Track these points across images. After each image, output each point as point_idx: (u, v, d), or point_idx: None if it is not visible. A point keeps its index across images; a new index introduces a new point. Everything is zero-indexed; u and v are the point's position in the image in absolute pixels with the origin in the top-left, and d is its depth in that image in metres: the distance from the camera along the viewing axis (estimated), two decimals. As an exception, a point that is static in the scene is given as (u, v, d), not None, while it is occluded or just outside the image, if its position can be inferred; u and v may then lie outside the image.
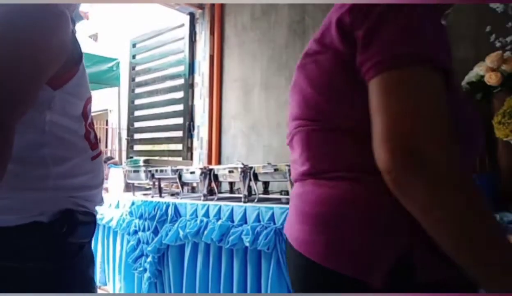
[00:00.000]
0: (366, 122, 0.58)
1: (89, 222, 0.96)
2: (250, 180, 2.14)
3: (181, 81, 3.64)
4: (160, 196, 2.67)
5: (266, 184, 2.40)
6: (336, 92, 0.64)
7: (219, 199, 2.32)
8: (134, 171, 2.87)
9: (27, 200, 0.84)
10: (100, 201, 1.03)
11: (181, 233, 2.24)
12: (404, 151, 0.52)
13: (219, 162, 3.29)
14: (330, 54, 0.64)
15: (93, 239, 1.03)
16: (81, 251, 0.94)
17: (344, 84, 0.62)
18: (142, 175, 2.78)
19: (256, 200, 2.13)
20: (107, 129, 9.90)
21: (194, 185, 3.03)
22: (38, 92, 0.81)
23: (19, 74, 0.76)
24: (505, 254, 0.52)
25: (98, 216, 2.92)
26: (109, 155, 8.37)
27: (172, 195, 2.76)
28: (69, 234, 0.88)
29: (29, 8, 0.80)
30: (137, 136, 4.14)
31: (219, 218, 2.13)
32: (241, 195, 2.18)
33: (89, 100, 0.99)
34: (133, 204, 2.67)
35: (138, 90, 4.09)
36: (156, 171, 2.67)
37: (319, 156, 0.68)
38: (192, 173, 2.46)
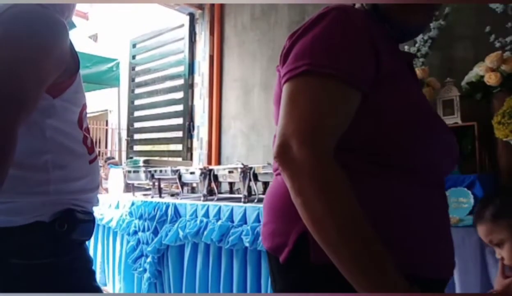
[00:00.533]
0: None
1: (89, 221, 1.00)
2: (250, 180, 2.14)
3: (181, 81, 3.64)
4: (160, 196, 2.67)
5: (266, 184, 2.40)
6: (278, 104, 0.72)
7: (219, 199, 2.32)
8: (134, 171, 2.87)
9: (31, 203, 0.89)
10: (97, 202, 1.07)
11: (181, 233, 2.24)
12: (279, 147, 0.61)
13: (219, 162, 3.29)
14: (278, 72, 0.75)
15: (91, 239, 1.06)
16: (81, 247, 0.99)
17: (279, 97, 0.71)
18: (142, 175, 2.78)
19: (256, 200, 2.13)
20: (107, 129, 9.90)
21: (194, 185, 3.03)
22: (39, 99, 0.84)
23: (22, 81, 0.79)
24: (352, 252, 0.56)
25: (98, 216, 2.94)
26: (109, 155, 8.37)
27: (172, 195, 2.76)
28: (70, 231, 0.93)
29: (31, 16, 0.84)
30: (137, 136, 4.14)
31: (219, 218, 2.13)
32: (241, 195, 2.18)
33: (84, 106, 1.03)
34: (133, 204, 2.67)
35: (138, 90, 4.09)
36: (156, 171, 2.67)
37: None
38: (192, 173, 2.46)
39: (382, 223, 0.62)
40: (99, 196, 1.10)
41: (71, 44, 0.94)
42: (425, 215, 0.69)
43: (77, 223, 0.94)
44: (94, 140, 1.10)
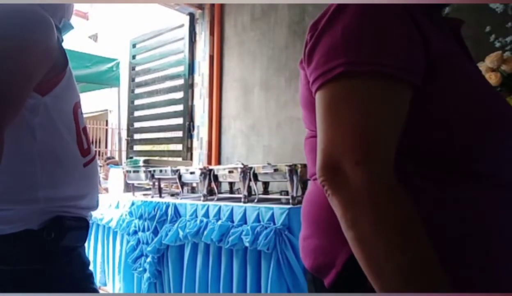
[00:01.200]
0: None
1: (80, 228, 0.97)
2: (250, 180, 2.14)
3: (181, 81, 3.64)
4: (160, 196, 2.67)
5: (266, 184, 2.40)
6: (309, 104, 0.64)
7: (219, 199, 2.32)
8: (134, 171, 2.87)
9: (20, 211, 0.87)
10: (95, 206, 1.04)
11: (181, 233, 2.24)
12: (326, 168, 0.52)
13: (219, 162, 3.29)
14: (303, 70, 0.65)
15: (88, 241, 1.04)
16: (73, 252, 0.96)
17: (311, 98, 0.61)
18: (142, 175, 2.78)
19: (256, 200, 2.13)
20: (107, 129, 9.89)
21: (194, 185, 3.03)
22: (26, 98, 0.82)
23: (6, 79, 0.76)
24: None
25: (98, 216, 2.94)
26: (109, 155, 8.37)
27: (172, 195, 2.76)
28: (59, 239, 0.90)
29: (11, 15, 0.81)
30: (137, 136, 4.14)
31: (219, 218, 2.13)
32: (241, 195, 2.18)
33: (77, 104, 0.99)
34: (133, 204, 2.67)
35: (138, 90, 4.09)
36: (156, 171, 2.67)
37: (311, 160, 0.69)
38: (192, 173, 2.46)
39: (464, 248, 0.51)
40: (99, 196, 1.08)
41: (58, 40, 0.92)
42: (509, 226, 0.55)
43: (66, 231, 0.91)
44: (94, 140, 1.07)
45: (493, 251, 0.53)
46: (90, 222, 1.05)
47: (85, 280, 0.99)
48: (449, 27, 0.66)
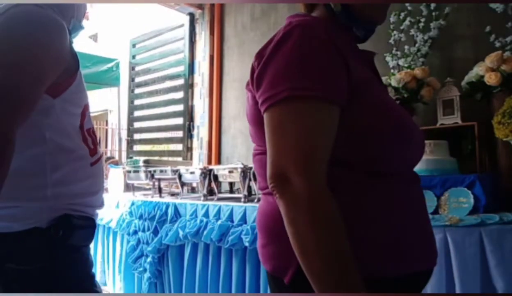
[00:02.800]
0: None
1: (87, 226, 0.98)
2: (250, 180, 2.14)
3: (181, 81, 3.65)
4: (160, 196, 2.67)
5: (266, 184, 2.39)
6: (257, 122, 0.74)
7: (219, 199, 2.32)
8: (134, 171, 2.87)
9: (29, 209, 0.88)
10: (101, 205, 1.05)
11: (181, 233, 2.24)
12: (275, 177, 0.62)
13: (219, 162, 3.29)
14: (250, 92, 0.76)
15: (92, 241, 1.05)
16: (79, 252, 0.97)
17: (260, 117, 0.71)
18: (142, 175, 2.78)
19: (256, 200, 2.13)
20: (107, 129, 9.89)
21: (194, 185, 3.03)
22: (39, 100, 0.83)
23: (19, 81, 0.78)
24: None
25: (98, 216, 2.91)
26: (109, 155, 8.37)
27: (172, 195, 2.76)
28: (66, 238, 0.91)
29: (28, 17, 0.83)
30: (137, 136, 4.14)
31: (218, 218, 2.13)
32: (241, 195, 2.18)
33: (86, 107, 1.01)
34: (133, 204, 2.67)
35: (138, 90, 4.09)
36: (156, 171, 2.67)
37: (261, 176, 0.79)
38: (192, 173, 2.46)
39: (370, 224, 0.67)
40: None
41: (70, 43, 0.94)
42: (411, 212, 0.72)
43: (74, 229, 0.92)
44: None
45: (397, 227, 0.69)
46: (97, 221, 1.06)
47: (88, 280, 0.99)
48: (365, 58, 0.81)
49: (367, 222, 0.67)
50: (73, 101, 0.95)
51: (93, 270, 1.03)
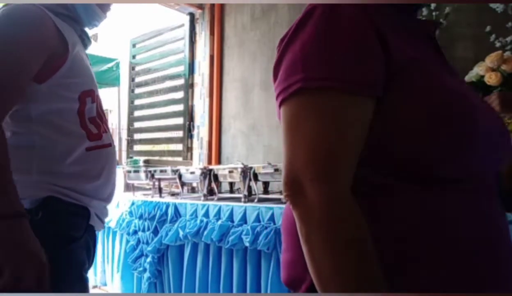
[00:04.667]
0: None
1: (76, 214, 0.93)
2: (250, 180, 2.13)
3: (181, 81, 3.64)
4: (160, 196, 2.67)
5: (266, 184, 2.39)
6: None
7: (219, 199, 2.32)
8: (134, 171, 2.86)
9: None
10: (101, 197, 0.99)
11: (181, 233, 2.24)
12: (289, 183, 0.53)
13: (219, 162, 3.29)
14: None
15: (83, 236, 0.97)
16: (71, 244, 0.91)
17: None
18: (142, 175, 2.78)
19: (256, 200, 2.13)
20: (107, 129, 9.87)
21: (194, 185, 3.03)
22: (25, 88, 0.86)
23: (4, 73, 0.81)
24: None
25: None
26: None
27: (172, 195, 2.76)
28: (48, 222, 0.85)
29: (7, 11, 0.86)
30: (137, 136, 4.14)
31: (219, 218, 2.13)
32: (241, 195, 2.18)
33: (86, 93, 0.99)
34: (133, 204, 2.67)
35: (138, 90, 4.09)
36: (156, 171, 2.67)
37: None
38: (192, 173, 2.46)
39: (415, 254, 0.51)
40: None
41: (57, 28, 0.93)
42: (474, 233, 0.54)
43: (58, 213, 0.87)
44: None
45: (448, 257, 0.52)
46: (105, 219, 1.02)
47: (74, 283, 0.92)
48: (422, 31, 0.65)
49: (402, 251, 0.51)
50: (65, 86, 0.94)
51: (86, 275, 0.97)
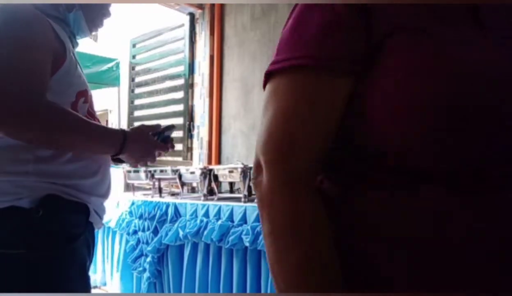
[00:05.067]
0: None
1: (76, 211, 0.93)
2: (250, 179, 2.14)
3: (181, 81, 3.65)
4: (160, 196, 2.67)
5: (266, 184, 2.40)
6: None
7: (219, 199, 2.32)
8: (134, 171, 2.86)
9: (7, 183, 0.84)
10: (99, 193, 1.00)
11: (181, 233, 2.24)
12: (253, 164, 0.52)
13: (219, 162, 3.29)
14: None
15: (84, 232, 0.97)
16: (73, 242, 0.91)
17: None
18: (142, 175, 2.78)
19: (256, 200, 2.13)
20: (107, 129, 9.86)
21: (194, 185, 3.03)
22: (49, 71, 0.90)
23: (31, 58, 0.86)
24: None
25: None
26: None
27: (172, 195, 2.76)
28: (48, 220, 0.85)
29: (9, 13, 0.88)
30: (137, 136, 4.13)
31: (219, 218, 2.13)
32: (241, 195, 2.18)
33: (80, 93, 1.00)
34: (133, 204, 2.67)
35: (138, 90, 4.09)
36: (156, 171, 2.67)
37: None
38: (192, 173, 2.46)
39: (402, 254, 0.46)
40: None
41: (55, 32, 0.94)
42: (475, 235, 0.44)
43: (58, 211, 0.87)
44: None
45: (423, 257, 0.45)
46: (103, 216, 1.02)
47: (77, 281, 0.92)
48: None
49: (384, 248, 0.47)
50: (64, 85, 0.95)
51: (87, 271, 0.97)
